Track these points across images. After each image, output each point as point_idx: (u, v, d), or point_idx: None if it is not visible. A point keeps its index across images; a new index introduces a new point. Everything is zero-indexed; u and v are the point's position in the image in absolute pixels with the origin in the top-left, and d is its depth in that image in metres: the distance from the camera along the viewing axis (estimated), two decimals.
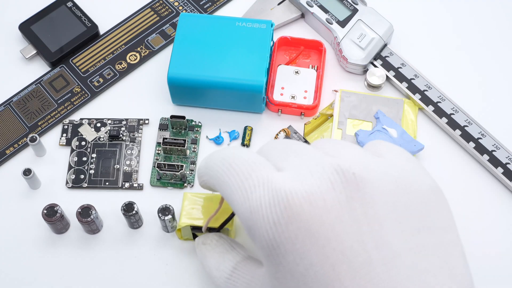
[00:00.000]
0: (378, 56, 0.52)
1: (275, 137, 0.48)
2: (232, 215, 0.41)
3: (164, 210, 0.43)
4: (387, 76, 0.51)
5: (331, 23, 0.52)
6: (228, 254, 0.38)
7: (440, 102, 0.50)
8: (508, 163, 0.47)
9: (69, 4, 0.54)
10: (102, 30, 0.54)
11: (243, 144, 0.49)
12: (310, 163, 0.32)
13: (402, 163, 0.33)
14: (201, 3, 0.55)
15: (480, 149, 0.48)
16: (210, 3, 0.55)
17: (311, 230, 0.29)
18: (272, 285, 0.32)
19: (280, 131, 0.48)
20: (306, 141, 0.47)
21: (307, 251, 0.29)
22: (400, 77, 0.51)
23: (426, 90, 0.50)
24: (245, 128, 0.49)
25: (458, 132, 0.49)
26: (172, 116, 0.48)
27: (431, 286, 0.29)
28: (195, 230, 0.43)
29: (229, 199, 0.33)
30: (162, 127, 0.49)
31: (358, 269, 0.29)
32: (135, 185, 0.47)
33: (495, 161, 0.47)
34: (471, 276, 0.32)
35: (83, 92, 0.51)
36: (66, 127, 0.50)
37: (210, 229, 0.42)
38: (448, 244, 0.32)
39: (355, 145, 0.34)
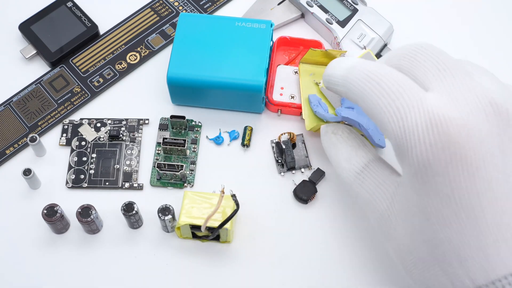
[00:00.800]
0: (378, 56, 0.52)
1: (278, 138, 0.48)
2: (232, 215, 0.41)
3: (164, 210, 0.44)
4: None
5: (331, 23, 0.52)
6: (361, 149, 0.38)
7: None
8: None
9: (69, 4, 0.54)
10: (102, 30, 0.54)
11: (243, 145, 0.49)
12: (463, 89, 0.32)
13: None
14: (201, 3, 0.55)
15: None
16: (210, 3, 0.55)
17: (466, 157, 0.30)
18: (407, 196, 0.33)
19: (283, 133, 0.48)
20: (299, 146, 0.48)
21: (458, 176, 0.31)
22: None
23: None
24: (245, 128, 0.49)
25: None
26: (172, 116, 0.48)
27: None
28: (194, 229, 0.43)
29: (377, 117, 0.33)
30: (162, 127, 0.50)
31: (500, 200, 0.31)
32: (135, 185, 0.47)
33: None
34: None
35: (83, 92, 0.51)
36: (66, 127, 0.50)
37: (209, 229, 0.42)
38: None
39: (496, 77, 0.35)
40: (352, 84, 0.35)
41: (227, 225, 0.42)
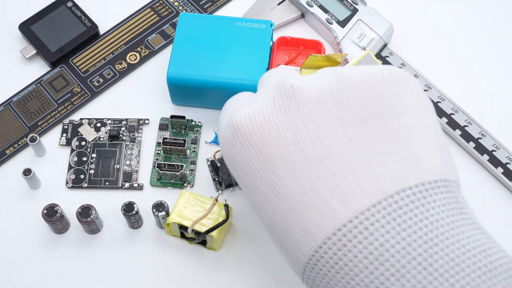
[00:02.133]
0: (378, 56, 0.52)
1: (213, 156, 0.47)
2: (219, 224, 0.41)
3: (159, 206, 0.44)
4: None
5: (331, 23, 0.52)
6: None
7: (440, 102, 0.50)
8: (508, 163, 0.47)
9: (69, 4, 0.54)
10: (102, 30, 0.54)
11: None
12: (265, 85, 0.36)
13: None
14: (201, 3, 0.55)
15: (480, 149, 0.48)
16: (210, 3, 0.55)
17: (251, 141, 0.33)
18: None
19: (218, 151, 0.47)
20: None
21: (251, 160, 0.33)
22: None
23: (426, 90, 0.50)
24: None
25: (458, 132, 0.49)
26: (172, 116, 0.48)
27: (377, 173, 0.30)
28: (183, 229, 0.43)
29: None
30: (162, 127, 0.49)
31: (296, 167, 0.31)
32: (135, 185, 0.47)
33: (495, 161, 0.47)
34: (447, 159, 0.32)
35: (83, 92, 0.51)
36: (66, 127, 0.50)
37: (196, 232, 0.42)
38: (403, 127, 0.31)
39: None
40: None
41: (213, 233, 0.42)
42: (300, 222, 0.31)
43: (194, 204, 0.43)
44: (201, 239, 0.42)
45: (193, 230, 0.42)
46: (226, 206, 0.43)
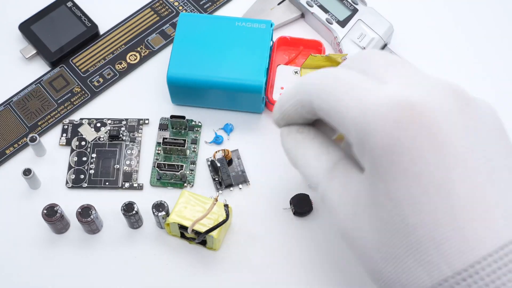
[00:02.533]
0: None
1: (213, 156, 0.47)
2: (219, 224, 0.41)
3: (158, 206, 0.44)
4: None
5: (331, 23, 0.52)
6: (332, 146, 0.36)
7: None
8: None
9: (69, 4, 0.54)
10: (102, 30, 0.54)
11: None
12: (418, 77, 0.32)
13: None
14: (201, 3, 0.55)
15: None
16: (210, 3, 0.55)
17: (431, 132, 0.30)
18: (373, 186, 0.32)
19: (217, 151, 0.47)
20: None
21: (425, 151, 0.30)
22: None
23: None
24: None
25: None
26: (172, 116, 0.48)
27: None
28: (183, 229, 0.43)
29: (334, 110, 0.33)
30: (162, 127, 0.49)
31: (470, 174, 0.30)
32: (135, 185, 0.47)
33: None
34: None
35: (83, 92, 0.51)
36: (66, 127, 0.50)
37: (196, 232, 0.42)
38: None
39: None
40: (307, 85, 0.35)
41: (213, 233, 0.42)
42: (461, 232, 0.29)
43: (194, 204, 0.43)
44: (201, 239, 0.42)
45: (193, 230, 0.42)
46: (226, 206, 0.43)
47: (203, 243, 0.44)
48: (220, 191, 0.47)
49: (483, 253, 0.28)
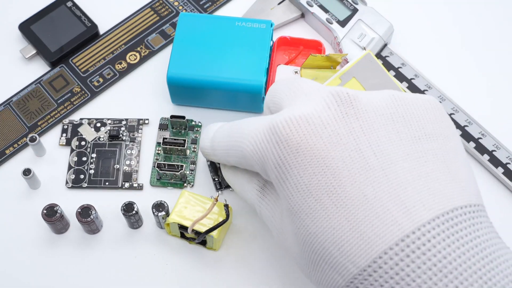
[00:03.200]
0: (378, 56, 0.52)
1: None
2: (219, 224, 0.41)
3: (158, 206, 0.44)
4: None
5: (331, 23, 0.52)
6: (257, 174, 0.39)
7: (440, 102, 0.50)
8: (509, 163, 0.47)
9: (69, 4, 0.54)
10: (102, 30, 0.54)
11: None
12: (306, 90, 0.35)
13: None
14: (201, 3, 0.55)
15: (481, 149, 0.48)
16: (210, 3, 0.55)
17: (310, 144, 0.32)
18: (282, 203, 0.34)
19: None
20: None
21: (308, 163, 0.32)
22: (400, 77, 0.51)
23: (426, 90, 0.50)
24: None
25: (458, 132, 0.49)
26: (172, 116, 0.48)
27: (433, 189, 0.31)
28: (183, 229, 0.43)
29: (239, 157, 0.36)
30: (162, 127, 0.49)
31: (358, 175, 0.31)
32: (135, 185, 0.47)
33: (495, 161, 0.47)
34: (477, 185, 0.33)
35: (83, 92, 0.51)
36: (66, 127, 0.50)
37: (196, 232, 0.42)
38: (450, 150, 0.33)
39: None
40: (216, 148, 0.39)
41: (213, 233, 0.42)
42: (358, 231, 0.30)
43: (194, 204, 0.43)
44: (201, 239, 0.42)
45: (193, 230, 0.42)
46: (226, 206, 0.43)
47: (203, 243, 0.44)
48: (220, 191, 0.47)
49: (383, 248, 0.29)
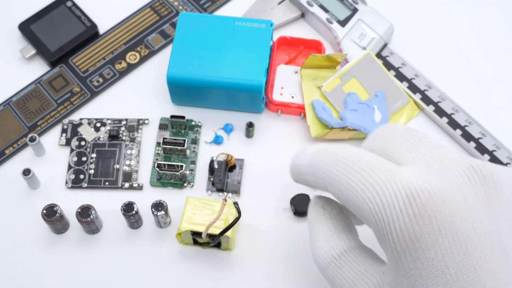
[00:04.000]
0: (378, 56, 0.51)
1: (216, 158, 0.47)
2: (233, 223, 0.41)
3: (158, 206, 0.44)
4: None
5: (331, 23, 0.52)
6: (346, 234, 0.34)
7: (440, 102, 0.50)
8: (509, 163, 0.47)
9: (69, 3, 0.54)
10: (101, 30, 0.54)
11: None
12: (439, 157, 0.30)
13: None
14: (201, 2, 0.55)
15: (481, 149, 0.48)
16: (210, 3, 0.55)
17: (454, 227, 0.28)
18: (396, 281, 0.30)
19: (221, 153, 0.47)
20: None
21: (450, 247, 0.28)
22: (401, 77, 0.51)
23: (427, 90, 0.50)
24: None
25: (458, 132, 0.49)
26: (172, 116, 0.48)
27: None
28: (196, 235, 0.43)
29: (350, 200, 0.31)
30: (162, 127, 0.49)
31: (498, 271, 0.28)
32: (135, 185, 0.47)
33: (495, 161, 0.47)
34: None
35: (83, 92, 0.51)
36: (65, 127, 0.50)
37: (210, 236, 0.42)
38: None
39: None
40: (318, 169, 0.33)
41: (228, 233, 0.42)
42: None
43: (202, 208, 0.43)
44: (216, 241, 0.42)
45: (207, 234, 0.42)
46: (236, 203, 0.42)
47: (218, 245, 0.44)
48: (225, 193, 0.47)
49: None
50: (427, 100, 0.50)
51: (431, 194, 0.28)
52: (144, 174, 0.48)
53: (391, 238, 0.29)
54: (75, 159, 0.48)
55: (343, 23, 0.52)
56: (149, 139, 0.49)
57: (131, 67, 0.52)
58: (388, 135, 0.33)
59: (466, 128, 0.49)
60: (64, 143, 0.49)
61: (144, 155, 0.49)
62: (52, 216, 0.44)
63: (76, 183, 0.47)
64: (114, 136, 0.49)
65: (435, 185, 0.29)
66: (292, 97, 0.49)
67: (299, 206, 0.45)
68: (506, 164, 0.47)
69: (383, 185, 0.30)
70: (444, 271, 0.28)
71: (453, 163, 0.30)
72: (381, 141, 0.33)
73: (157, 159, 0.48)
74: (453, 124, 0.49)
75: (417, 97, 0.50)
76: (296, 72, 0.50)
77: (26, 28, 0.53)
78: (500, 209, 0.29)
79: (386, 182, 0.30)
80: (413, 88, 0.50)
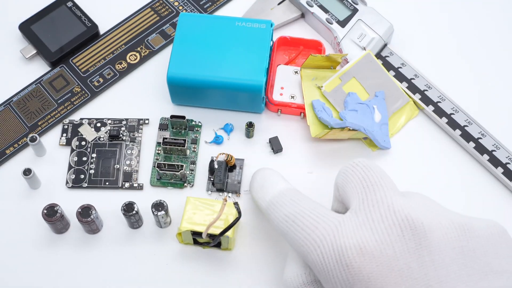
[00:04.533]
0: (378, 56, 0.52)
1: (217, 158, 0.47)
2: (234, 223, 0.41)
3: (158, 206, 0.44)
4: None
5: (331, 23, 0.52)
6: (306, 268, 0.38)
7: (440, 102, 0.50)
8: (508, 163, 0.47)
9: (69, 4, 0.54)
10: (102, 30, 0.54)
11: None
12: (381, 205, 0.34)
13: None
14: (201, 3, 0.55)
15: (480, 149, 0.48)
16: (210, 3, 0.55)
17: (382, 275, 0.32)
18: None
19: (222, 153, 0.47)
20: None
21: None
22: (400, 77, 0.51)
23: (426, 90, 0.50)
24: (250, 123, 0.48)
25: (458, 132, 0.49)
26: (172, 116, 0.48)
27: None
28: (196, 235, 0.43)
29: (297, 250, 0.36)
30: (162, 127, 0.49)
31: None
32: (135, 185, 0.47)
33: (495, 161, 0.47)
34: None
35: (83, 92, 0.51)
36: (66, 127, 0.50)
37: (211, 236, 0.42)
38: None
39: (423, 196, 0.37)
40: (272, 221, 0.39)
41: (228, 233, 0.42)
42: None
43: (202, 208, 0.43)
44: (217, 241, 0.42)
45: (207, 234, 0.42)
46: (236, 203, 0.42)
47: (218, 245, 0.44)
48: (225, 193, 0.47)
49: None
50: (426, 100, 0.50)
51: (361, 249, 0.32)
52: (144, 174, 0.48)
53: (330, 283, 0.34)
54: (76, 159, 0.48)
55: (343, 23, 0.52)
56: (149, 139, 0.49)
57: (131, 67, 0.52)
58: (349, 175, 0.37)
59: (466, 128, 0.49)
60: (64, 143, 0.49)
61: (144, 155, 0.49)
62: (52, 216, 0.44)
63: (76, 183, 0.47)
64: (114, 136, 0.49)
65: (366, 240, 0.33)
66: (292, 97, 0.49)
67: None
68: (505, 164, 0.47)
69: (323, 238, 0.34)
70: None
71: (391, 213, 0.33)
72: (343, 179, 0.37)
73: (157, 159, 0.48)
74: (453, 124, 0.49)
75: (417, 97, 0.50)
76: (296, 72, 0.50)
77: (27, 28, 0.53)
78: (430, 256, 0.32)
79: (326, 237, 0.34)
80: (413, 88, 0.50)
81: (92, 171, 0.48)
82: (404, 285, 0.31)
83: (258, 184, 0.42)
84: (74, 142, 0.49)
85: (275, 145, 0.48)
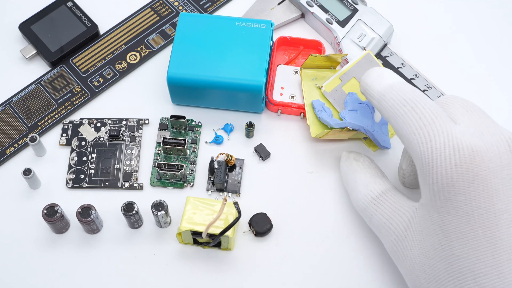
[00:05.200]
0: (378, 56, 0.52)
1: (216, 158, 0.47)
2: (233, 223, 0.41)
3: (158, 206, 0.44)
4: None
5: (331, 23, 0.52)
6: (380, 178, 0.42)
7: None
8: None
9: (69, 4, 0.54)
10: (102, 30, 0.54)
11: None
12: (488, 125, 0.37)
13: None
14: (201, 3, 0.55)
15: None
16: (210, 3, 0.55)
17: (487, 180, 0.34)
18: (428, 215, 0.36)
19: (222, 153, 0.47)
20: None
21: (478, 195, 0.34)
22: (400, 77, 0.51)
23: (426, 90, 0.50)
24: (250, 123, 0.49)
25: None
26: (172, 116, 0.48)
27: None
28: (196, 235, 0.43)
29: (406, 138, 0.37)
30: (162, 127, 0.50)
31: None
32: (135, 185, 0.47)
33: None
34: None
35: (83, 92, 0.51)
36: (66, 127, 0.50)
37: (211, 236, 0.42)
38: None
39: None
40: (388, 103, 0.39)
41: (228, 233, 0.42)
42: (498, 267, 0.33)
43: (202, 208, 0.43)
44: (216, 241, 0.42)
45: (207, 234, 0.42)
46: (236, 203, 0.42)
47: (218, 245, 0.44)
48: (225, 193, 0.47)
49: None
50: None
51: (473, 151, 0.34)
52: (144, 174, 0.48)
53: (431, 178, 0.35)
54: (76, 159, 0.48)
55: (343, 23, 0.52)
56: (149, 139, 0.49)
57: (131, 67, 0.53)
58: (448, 102, 0.39)
59: None
60: (64, 143, 0.49)
61: (144, 155, 0.49)
62: (52, 216, 0.44)
63: (76, 183, 0.47)
64: (114, 136, 0.49)
65: (478, 144, 0.35)
66: (292, 97, 0.49)
67: (258, 226, 0.45)
68: None
69: (437, 135, 0.36)
70: (468, 213, 0.34)
71: (497, 131, 0.36)
72: (441, 106, 0.39)
73: (157, 159, 0.48)
74: None
75: None
76: (296, 72, 0.50)
77: (27, 28, 0.53)
78: None
79: (440, 133, 0.36)
80: None
81: (92, 171, 0.48)
82: (502, 193, 0.34)
83: (376, 74, 0.41)
84: (74, 142, 0.49)
85: (262, 152, 0.48)
